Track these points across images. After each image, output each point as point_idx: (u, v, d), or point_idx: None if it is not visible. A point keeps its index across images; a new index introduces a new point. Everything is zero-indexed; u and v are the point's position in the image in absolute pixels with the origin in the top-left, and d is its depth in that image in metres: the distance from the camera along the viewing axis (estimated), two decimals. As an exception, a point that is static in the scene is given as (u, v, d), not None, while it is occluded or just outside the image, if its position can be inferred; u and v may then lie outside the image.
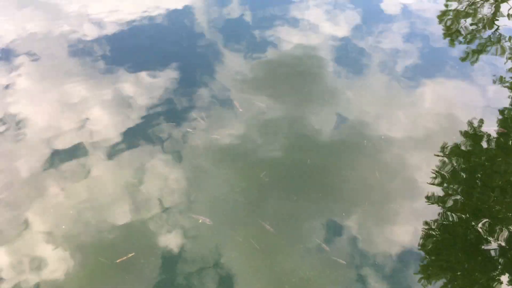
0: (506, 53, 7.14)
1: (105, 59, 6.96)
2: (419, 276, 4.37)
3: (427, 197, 4.98)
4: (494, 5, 8.31)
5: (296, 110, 6.00)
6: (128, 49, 7.24)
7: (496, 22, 7.89)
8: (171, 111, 6.01)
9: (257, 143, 5.56)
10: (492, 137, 5.59)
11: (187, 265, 4.43)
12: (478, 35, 7.60)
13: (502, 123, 5.81)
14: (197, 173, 5.22)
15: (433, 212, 4.86)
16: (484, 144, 5.55)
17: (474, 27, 7.83)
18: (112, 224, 4.74)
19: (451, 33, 7.58)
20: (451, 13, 8.12)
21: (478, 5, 8.41)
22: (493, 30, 7.71)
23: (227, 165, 5.32)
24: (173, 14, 8.04)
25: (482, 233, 4.65)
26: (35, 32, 7.58)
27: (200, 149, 5.49)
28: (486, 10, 8.29)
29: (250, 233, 4.68)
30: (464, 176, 5.21)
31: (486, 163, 5.33)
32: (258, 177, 5.16)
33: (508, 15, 7.97)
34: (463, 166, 5.30)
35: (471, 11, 8.31)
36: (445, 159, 5.34)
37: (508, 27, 7.76)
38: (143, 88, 6.36)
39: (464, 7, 8.37)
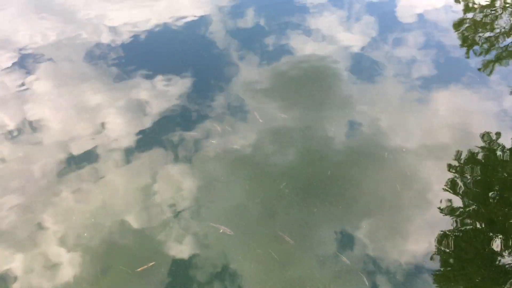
0: (524, 63, 7.13)
1: (121, 65, 7.04)
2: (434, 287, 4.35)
3: (442, 208, 4.97)
4: (512, 14, 8.31)
5: (315, 120, 6.02)
6: (144, 55, 7.30)
7: (514, 32, 7.88)
8: (188, 120, 6.06)
9: (277, 153, 5.58)
10: (507, 149, 5.57)
11: (207, 275, 4.46)
12: (495, 45, 7.59)
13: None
14: (217, 184, 5.26)
15: (448, 223, 4.85)
16: (500, 156, 5.54)
17: (491, 36, 7.82)
18: (132, 232, 4.79)
19: (468, 43, 7.57)
20: (468, 22, 8.10)
21: (496, 14, 8.39)
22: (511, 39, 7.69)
23: (247, 175, 5.35)
24: (189, 23, 8.11)
25: (497, 245, 4.64)
26: (51, 37, 7.66)
27: (219, 159, 5.52)
28: (505, 19, 8.27)
29: (269, 244, 4.70)
30: (480, 188, 5.19)
31: (503, 175, 5.31)
32: (278, 188, 5.18)
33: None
34: (479, 177, 5.29)
35: (488, 20, 8.29)
36: (461, 170, 5.34)
37: (526, 37, 7.75)
38: (160, 96, 6.41)
39: (481, 16, 8.35)
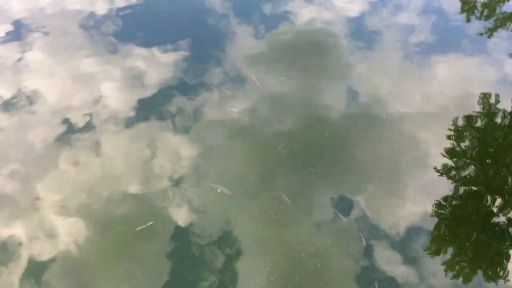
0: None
1: (117, 35, 6.98)
2: (429, 248, 4.39)
3: (440, 171, 4.99)
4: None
5: (313, 84, 6.00)
6: (140, 25, 7.24)
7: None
8: (185, 85, 6.04)
9: (274, 116, 5.58)
10: (507, 113, 5.55)
11: (205, 234, 4.49)
12: (496, 10, 7.50)
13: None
14: (215, 145, 5.27)
15: (445, 186, 4.87)
16: (499, 120, 5.53)
17: (492, 0, 7.73)
18: (131, 194, 4.81)
19: (468, 8, 7.50)
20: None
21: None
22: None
23: (244, 137, 5.35)
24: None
25: (493, 207, 4.66)
26: (46, 8, 7.58)
27: (217, 122, 5.52)
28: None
29: (267, 204, 4.72)
30: (477, 151, 5.20)
31: (500, 139, 5.30)
32: (276, 149, 5.18)
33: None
34: (477, 141, 5.29)
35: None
36: (459, 134, 5.34)
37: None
38: (156, 63, 6.38)
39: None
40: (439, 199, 4.76)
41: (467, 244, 4.46)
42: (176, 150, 5.21)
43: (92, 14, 7.50)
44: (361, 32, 7.01)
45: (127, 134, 5.42)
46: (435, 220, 4.61)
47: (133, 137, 5.38)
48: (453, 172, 5.00)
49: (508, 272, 4.25)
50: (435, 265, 4.29)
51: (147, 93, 5.92)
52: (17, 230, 4.57)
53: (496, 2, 7.74)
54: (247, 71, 6.23)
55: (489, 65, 6.32)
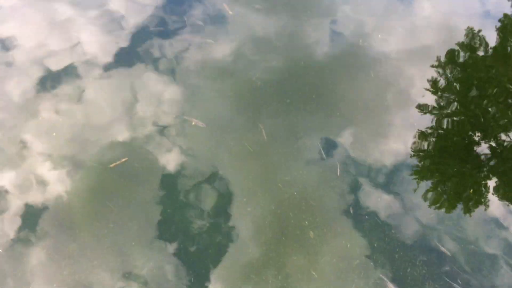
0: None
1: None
2: (412, 179, 4.43)
3: (422, 106, 4.96)
4: None
5: (291, 16, 5.79)
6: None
7: None
8: (158, 18, 5.77)
9: (249, 47, 5.42)
10: (490, 46, 5.45)
11: (180, 167, 4.44)
12: None
13: (501, 30, 5.66)
14: (187, 78, 5.12)
15: (428, 120, 4.87)
16: (481, 53, 5.44)
17: None
18: (105, 133, 4.69)
19: None
20: None
21: None
22: None
23: (218, 69, 5.21)
24: None
25: (474, 139, 4.68)
26: None
27: (189, 55, 5.34)
28: None
29: (243, 136, 4.66)
30: (460, 85, 5.15)
31: (482, 72, 5.24)
32: (251, 81, 5.07)
33: None
34: (459, 76, 5.23)
35: None
36: (442, 69, 5.25)
37: None
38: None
39: None
40: (421, 132, 4.75)
41: (449, 175, 4.52)
42: (149, 85, 5.06)
43: None
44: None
45: (101, 72, 5.23)
46: (418, 154, 4.62)
47: (106, 76, 5.20)
48: (436, 106, 4.96)
49: (488, 201, 4.33)
50: (415, 196, 4.37)
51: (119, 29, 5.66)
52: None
53: None
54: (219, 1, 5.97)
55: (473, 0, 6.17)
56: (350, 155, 4.59)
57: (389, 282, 3.82)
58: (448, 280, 3.87)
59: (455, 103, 4.99)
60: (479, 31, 5.62)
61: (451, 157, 4.62)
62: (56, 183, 4.33)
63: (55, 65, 5.24)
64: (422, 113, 4.90)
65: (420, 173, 4.49)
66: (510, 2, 6.08)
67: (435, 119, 4.87)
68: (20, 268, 3.86)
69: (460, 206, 4.31)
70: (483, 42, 5.52)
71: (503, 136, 4.73)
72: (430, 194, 4.37)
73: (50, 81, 5.11)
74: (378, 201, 4.31)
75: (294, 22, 5.73)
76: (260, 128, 4.72)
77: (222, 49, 5.41)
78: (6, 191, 4.28)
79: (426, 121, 4.87)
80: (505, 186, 4.41)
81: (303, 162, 4.49)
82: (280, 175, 4.41)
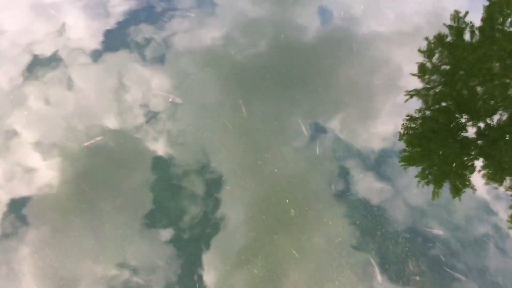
0: None
1: None
2: (400, 163, 4.34)
3: (410, 91, 4.81)
4: None
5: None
6: None
7: None
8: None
9: (228, 20, 5.23)
10: (476, 28, 5.30)
11: (157, 146, 4.28)
12: None
13: (487, 11, 5.51)
14: (164, 52, 4.93)
15: (416, 104, 4.73)
16: (467, 34, 5.30)
17: None
18: (81, 111, 4.49)
19: None
20: None
21: None
22: None
23: (196, 44, 5.02)
24: None
25: (461, 122, 4.59)
26: None
27: (167, 28, 5.13)
28: None
29: (222, 113, 4.51)
30: (448, 68, 5.02)
31: (469, 54, 5.11)
32: (230, 55, 4.89)
33: None
34: (447, 59, 5.09)
35: None
36: (430, 53, 5.10)
37: None
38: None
39: None
40: (409, 118, 4.63)
41: (436, 158, 4.43)
42: (123, 60, 4.85)
43: None
44: None
45: (75, 47, 4.99)
46: (405, 138, 4.52)
47: (79, 51, 4.96)
48: (424, 89, 4.83)
49: (474, 182, 4.26)
50: (400, 175, 4.29)
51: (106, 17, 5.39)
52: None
53: None
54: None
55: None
56: (333, 132, 4.47)
57: (372, 259, 3.76)
58: (430, 256, 3.82)
59: (442, 87, 4.86)
60: (467, 13, 5.47)
61: (437, 138, 4.52)
62: (27, 161, 4.14)
63: (42, 52, 4.98)
64: (412, 97, 4.77)
65: (406, 156, 4.39)
66: None
67: (422, 103, 4.74)
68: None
69: (446, 187, 4.24)
70: (470, 24, 5.38)
71: (490, 118, 4.64)
72: (415, 175, 4.29)
73: (18, 56, 4.86)
74: (360, 178, 4.22)
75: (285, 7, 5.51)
76: (240, 104, 4.57)
77: (201, 23, 5.20)
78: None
79: (414, 105, 4.74)
80: (491, 168, 4.34)
81: (284, 139, 4.37)
82: (260, 153, 4.29)
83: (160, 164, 4.17)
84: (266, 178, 4.13)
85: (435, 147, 4.47)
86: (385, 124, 4.57)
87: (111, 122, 4.42)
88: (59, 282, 3.59)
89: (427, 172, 4.32)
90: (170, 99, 4.54)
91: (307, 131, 4.43)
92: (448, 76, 4.94)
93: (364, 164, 4.31)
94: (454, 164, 4.33)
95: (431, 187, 4.22)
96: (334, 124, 4.52)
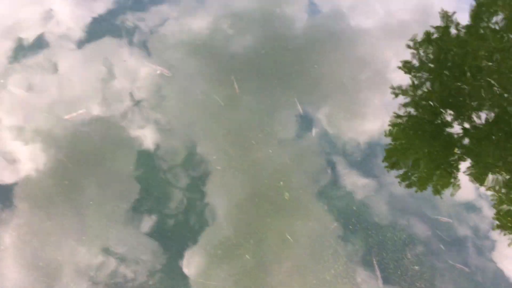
0: None
1: None
2: (385, 161, 4.13)
3: (396, 88, 4.59)
4: None
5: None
6: None
7: None
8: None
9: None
10: (462, 25, 5.07)
11: (143, 121, 4.03)
12: None
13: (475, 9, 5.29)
14: (153, 22, 4.63)
15: (402, 101, 4.50)
16: (454, 32, 5.07)
17: None
18: (61, 81, 4.18)
19: None
20: None
21: None
22: None
23: (187, 15, 4.73)
24: None
25: (446, 118, 4.41)
26: None
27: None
28: None
29: (213, 88, 4.27)
30: (434, 65, 4.80)
31: (457, 50, 4.90)
32: (222, 29, 4.62)
33: None
34: (433, 56, 4.87)
35: None
36: (417, 50, 4.87)
37: None
38: None
39: None
40: (395, 113, 4.42)
41: (421, 155, 4.25)
42: (111, 29, 4.54)
43: None
44: None
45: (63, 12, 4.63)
46: (391, 134, 4.31)
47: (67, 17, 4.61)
48: (410, 87, 4.62)
49: (458, 181, 4.10)
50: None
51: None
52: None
53: None
54: None
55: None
56: (330, 112, 4.28)
57: (369, 247, 3.61)
58: (427, 244, 3.70)
59: (429, 84, 4.65)
60: (454, 12, 5.22)
61: (423, 137, 4.34)
62: (6, 134, 3.84)
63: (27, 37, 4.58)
64: (398, 94, 4.55)
65: (392, 155, 4.20)
66: None
67: (408, 100, 4.54)
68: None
69: (431, 183, 4.09)
70: (457, 22, 5.15)
71: (476, 116, 4.47)
72: (403, 174, 4.11)
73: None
74: (359, 162, 4.06)
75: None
76: (232, 80, 4.32)
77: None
78: None
79: (401, 102, 4.51)
80: (476, 167, 4.20)
81: (279, 118, 4.17)
82: (253, 132, 4.09)
83: (146, 140, 3.93)
84: (260, 159, 3.93)
85: (420, 144, 4.29)
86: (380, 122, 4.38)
87: (94, 94, 4.13)
88: (38, 263, 3.34)
89: (412, 170, 4.15)
90: (158, 71, 4.26)
91: (303, 110, 4.22)
92: (434, 73, 4.74)
93: (363, 147, 4.14)
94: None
95: (416, 186, 4.04)
96: (331, 103, 4.32)
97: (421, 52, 4.88)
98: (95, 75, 4.26)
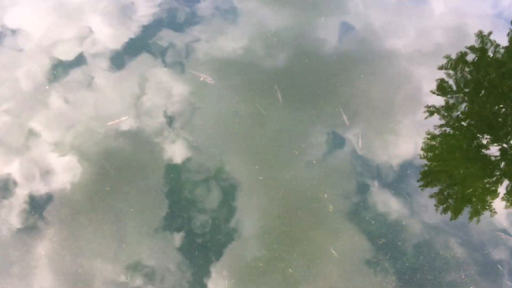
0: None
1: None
2: (420, 183, 3.88)
3: (431, 108, 4.35)
4: None
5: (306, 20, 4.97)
6: None
7: None
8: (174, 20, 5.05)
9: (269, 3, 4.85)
10: (500, 47, 4.82)
11: (185, 128, 3.98)
12: None
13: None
14: (196, 29, 4.61)
15: (437, 122, 4.26)
16: (492, 55, 4.81)
17: None
18: (107, 92, 4.19)
19: None
20: None
21: None
22: None
23: (230, 23, 4.69)
24: None
25: (483, 141, 4.14)
26: None
27: (200, 4, 4.79)
28: None
29: (256, 97, 4.18)
30: (470, 88, 4.56)
31: (493, 74, 4.64)
32: (266, 37, 4.55)
33: None
34: (469, 78, 4.63)
35: None
36: (452, 71, 4.64)
37: None
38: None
39: None
40: (430, 133, 4.18)
41: (456, 178, 4.00)
42: (155, 35, 4.54)
43: None
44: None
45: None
46: (425, 155, 4.06)
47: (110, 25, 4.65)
48: (445, 108, 4.39)
49: (495, 206, 3.82)
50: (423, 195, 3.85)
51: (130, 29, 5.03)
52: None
53: None
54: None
55: (485, 0, 5.48)
56: (377, 123, 4.10)
57: (420, 266, 3.40)
58: (487, 264, 3.45)
59: (464, 106, 4.40)
60: (490, 33, 4.97)
61: (459, 158, 4.09)
62: (50, 141, 3.87)
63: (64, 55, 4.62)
64: (432, 111, 4.33)
65: (427, 176, 3.96)
66: None
67: (445, 120, 4.30)
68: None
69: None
70: (494, 44, 4.89)
71: None
72: (437, 196, 3.85)
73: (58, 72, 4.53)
74: (407, 175, 3.86)
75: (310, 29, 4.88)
76: (275, 89, 4.23)
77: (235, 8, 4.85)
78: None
79: (436, 123, 4.27)
80: None
81: (323, 128, 4.04)
82: (296, 142, 3.96)
83: (188, 147, 3.86)
84: (303, 170, 3.79)
85: (455, 166, 4.03)
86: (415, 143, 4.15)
87: (138, 101, 4.12)
88: (77, 269, 3.29)
89: (446, 193, 3.89)
90: (201, 79, 4.21)
91: (349, 121, 4.07)
92: (470, 95, 4.50)
93: (410, 162, 3.94)
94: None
95: (451, 209, 3.78)
96: (378, 114, 4.16)
97: (456, 73, 4.65)
98: (137, 81, 4.25)
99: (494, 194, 3.90)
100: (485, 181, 4.00)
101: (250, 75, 4.33)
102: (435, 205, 3.75)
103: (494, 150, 4.10)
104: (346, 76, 4.39)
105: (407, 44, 4.79)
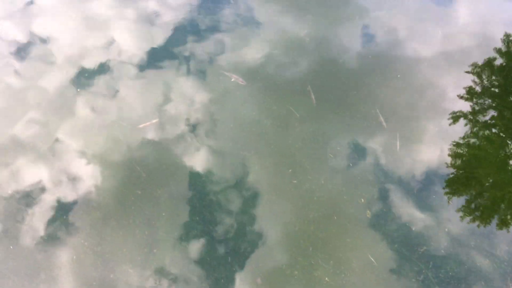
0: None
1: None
2: (446, 191, 3.68)
3: (457, 114, 4.17)
4: None
5: (330, 26, 4.83)
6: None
7: None
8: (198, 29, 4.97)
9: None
10: None
11: (217, 130, 3.89)
12: None
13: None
14: (229, 29, 4.51)
15: (463, 129, 4.07)
16: None
17: None
18: (137, 93, 4.14)
19: None
20: None
21: None
22: None
23: (262, 22, 4.59)
24: None
25: (510, 150, 3.92)
26: None
27: (233, 5, 4.70)
28: None
29: (288, 99, 4.07)
30: (497, 93, 4.34)
31: None
32: (299, 37, 4.43)
33: None
34: (497, 84, 4.41)
35: None
36: (479, 76, 4.43)
37: None
38: (168, 6, 5.27)
39: None
40: (456, 142, 3.98)
41: (484, 188, 3.78)
42: (186, 35, 4.47)
43: None
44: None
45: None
46: (451, 164, 3.85)
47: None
48: (472, 115, 4.18)
49: None
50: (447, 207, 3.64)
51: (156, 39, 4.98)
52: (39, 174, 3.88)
53: None
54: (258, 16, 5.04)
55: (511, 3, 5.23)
56: (416, 124, 3.93)
57: (465, 275, 3.21)
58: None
59: (491, 114, 4.18)
60: None
61: (486, 167, 3.86)
62: (81, 143, 3.83)
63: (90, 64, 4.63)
64: (457, 119, 4.13)
65: (453, 185, 3.75)
66: None
67: (471, 127, 4.10)
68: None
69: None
70: None
71: None
72: (464, 207, 3.63)
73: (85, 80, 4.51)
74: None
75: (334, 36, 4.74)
76: (308, 90, 4.11)
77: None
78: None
79: (461, 130, 4.07)
80: None
81: (359, 131, 3.89)
82: (331, 144, 3.83)
83: (220, 149, 3.78)
84: (338, 173, 3.65)
85: (481, 175, 3.81)
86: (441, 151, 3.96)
87: (168, 101, 4.06)
88: (108, 274, 3.23)
89: (474, 204, 3.67)
90: (233, 79, 4.13)
91: (386, 123, 3.91)
92: (498, 102, 4.27)
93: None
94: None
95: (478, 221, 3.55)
96: (416, 115, 3.99)
97: (483, 79, 4.43)
98: (168, 83, 4.19)
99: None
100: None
101: (282, 76, 4.22)
102: (480, 210, 3.56)
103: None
104: (382, 77, 4.23)
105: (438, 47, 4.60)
